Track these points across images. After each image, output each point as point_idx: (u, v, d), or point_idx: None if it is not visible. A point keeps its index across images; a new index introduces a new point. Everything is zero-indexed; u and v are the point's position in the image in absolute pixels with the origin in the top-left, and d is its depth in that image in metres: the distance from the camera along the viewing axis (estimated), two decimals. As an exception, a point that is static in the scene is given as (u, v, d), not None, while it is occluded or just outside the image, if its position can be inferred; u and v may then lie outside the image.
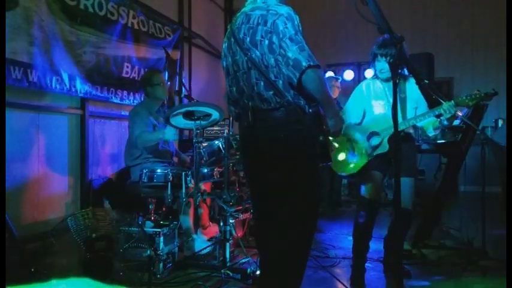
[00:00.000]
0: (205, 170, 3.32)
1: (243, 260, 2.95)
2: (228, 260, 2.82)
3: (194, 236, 3.23)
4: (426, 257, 3.20)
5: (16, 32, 3.02)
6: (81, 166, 3.81)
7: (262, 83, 1.76)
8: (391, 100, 2.61)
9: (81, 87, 3.67)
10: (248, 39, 1.76)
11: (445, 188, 3.42)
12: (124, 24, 4.23)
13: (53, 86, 3.35)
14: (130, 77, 4.35)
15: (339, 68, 6.88)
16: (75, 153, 3.78)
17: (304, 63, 1.67)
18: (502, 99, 5.13)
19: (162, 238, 2.82)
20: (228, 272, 2.72)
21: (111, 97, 4.12)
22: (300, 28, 1.76)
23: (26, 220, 3.22)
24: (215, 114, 3.03)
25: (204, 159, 3.20)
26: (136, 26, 4.44)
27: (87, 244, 2.49)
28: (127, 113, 3.65)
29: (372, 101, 2.70)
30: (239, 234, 3.28)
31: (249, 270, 2.67)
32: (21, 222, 3.14)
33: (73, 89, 3.56)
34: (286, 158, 1.77)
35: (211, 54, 6.49)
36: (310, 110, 1.76)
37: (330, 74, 7.09)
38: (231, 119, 5.76)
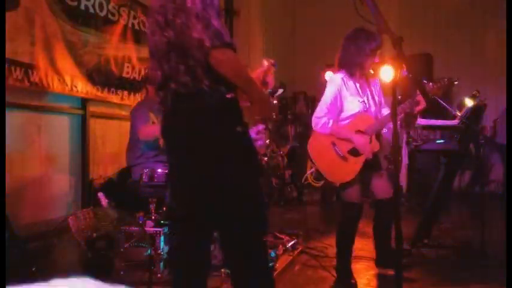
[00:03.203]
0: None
1: (243, 260, 2.96)
2: (228, 259, 2.83)
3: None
4: (425, 256, 3.21)
5: (17, 32, 3.03)
6: (82, 166, 3.82)
7: (182, 67, 1.58)
8: (364, 98, 2.62)
9: (82, 87, 3.68)
10: (162, 18, 1.60)
11: (444, 187, 3.42)
12: (125, 25, 4.24)
13: (55, 86, 3.36)
14: (131, 77, 4.36)
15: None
16: (76, 153, 3.78)
17: (207, 43, 1.48)
18: (502, 99, 5.14)
19: (162, 237, 2.83)
20: (228, 271, 2.73)
21: (112, 97, 4.13)
22: (215, 2, 1.55)
23: (27, 219, 3.23)
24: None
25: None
26: (136, 27, 4.46)
27: (88, 243, 2.51)
28: (128, 113, 3.66)
29: (348, 97, 2.59)
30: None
31: (249, 269, 2.68)
32: (22, 222, 3.15)
33: (74, 89, 3.57)
34: (205, 151, 1.62)
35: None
36: (228, 97, 1.59)
37: (329, 73, 7.11)
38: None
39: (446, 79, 2.56)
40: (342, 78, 2.62)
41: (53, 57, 3.35)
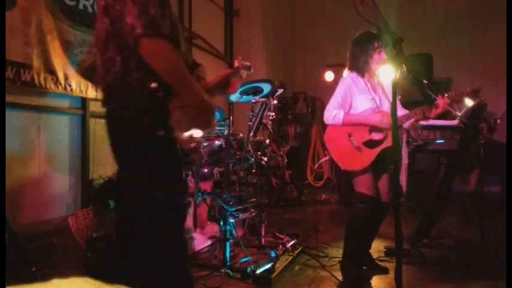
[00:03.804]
0: (205, 170, 3.33)
1: (243, 260, 2.96)
2: (228, 259, 2.83)
3: (194, 235, 3.24)
4: (425, 256, 3.21)
5: (11, 33, 3.03)
6: (82, 166, 3.82)
7: (118, 58, 1.45)
8: (375, 96, 2.71)
9: (76, 86, 3.67)
10: (104, 4, 1.48)
11: (444, 187, 3.42)
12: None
13: (48, 85, 3.36)
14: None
15: (338, 68, 6.90)
16: (76, 152, 3.78)
17: (138, 30, 1.34)
18: (502, 99, 5.14)
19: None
20: (228, 271, 2.73)
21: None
22: None
23: (27, 220, 3.23)
24: (215, 114, 3.05)
25: (204, 159, 3.21)
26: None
27: (88, 243, 2.50)
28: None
29: (358, 95, 2.70)
30: (239, 234, 3.29)
31: (249, 269, 2.68)
32: (22, 222, 3.15)
33: (68, 88, 3.56)
34: (123, 152, 1.52)
35: (211, 55, 6.49)
36: (157, 95, 1.43)
37: (329, 73, 7.11)
38: (231, 118, 5.76)
39: (468, 89, 2.72)
40: (352, 78, 2.74)
41: (48, 57, 3.34)
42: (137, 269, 1.50)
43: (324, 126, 2.86)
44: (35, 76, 3.24)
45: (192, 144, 1.50)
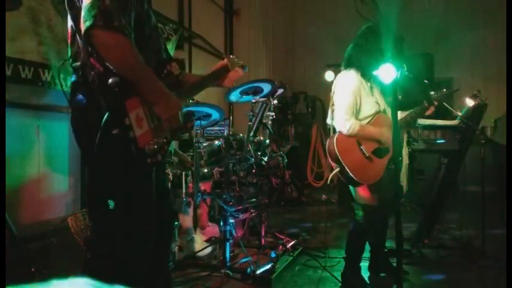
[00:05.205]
0: (205, 170, 3.32)
1: (243, 260, 2.96)
2: (228, 259, 2.83)
3: (194, 235, 3.24)
4: (426, 256, 3.21)
5: (22, 31, 3.02)
6: (82, 165, 3.81)
7: (83, 54, 1.40)
8: (378, 98, 2.52)
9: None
10: None
11: (444, 188, 3.42)
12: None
13: (64, 85, 3.36)
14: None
15: (338, 68, 6.89)
16: (75, 152, 3.77)
17: (88, 23, 1.26)
18: (503, 99, 5.13)
19: (162, 238, 2.82)
20: (228, 271, 2.73)
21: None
22: None
23: (26, 220, 3.22)
24: (215, 114, 3.04)
25: (204, 159, 3.20)
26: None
27: (87, 244, 2.50)
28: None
29: (365, 97, 2.44)
30: (239, 234, 3.28)
31: (249, 270, 2.68)
32: (21, 222, 3.14)
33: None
34: (82, 150, 1.48)
35: (211, 54, 6.49)
36: (113, 90, 1.35)
37: (330, 74, 7.10)
38: (231, 118, 5.76)
39: (445, 89, 2.72)
40: (358, 77, 2.45)
41: (61, 57, 3.35)
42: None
43: (324, 126, 2.81)
44: (54, 76, 3.24)
45: (156, 145, 1.43)
